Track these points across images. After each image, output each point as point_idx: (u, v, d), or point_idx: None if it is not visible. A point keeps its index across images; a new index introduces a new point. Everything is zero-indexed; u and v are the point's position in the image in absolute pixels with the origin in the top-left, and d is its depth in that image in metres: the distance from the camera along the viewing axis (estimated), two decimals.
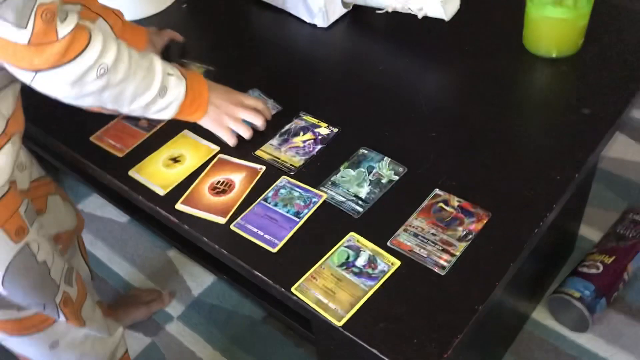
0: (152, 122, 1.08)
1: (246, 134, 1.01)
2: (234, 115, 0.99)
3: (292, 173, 0.97)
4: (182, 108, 0.93)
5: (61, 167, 1.52)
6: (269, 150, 1.01)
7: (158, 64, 0.89)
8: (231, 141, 1.01)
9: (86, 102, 0.83)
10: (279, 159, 1.00)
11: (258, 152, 1.01)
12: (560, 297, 1.42)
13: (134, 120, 1.08)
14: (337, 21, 1.27)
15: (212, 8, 1.37)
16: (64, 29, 0.74)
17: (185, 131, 1.06)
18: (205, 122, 0.99)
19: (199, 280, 1.64)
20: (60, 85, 0.78)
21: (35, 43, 0.72)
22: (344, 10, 1.28)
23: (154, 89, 0.88)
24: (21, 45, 0.72)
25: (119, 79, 0.82)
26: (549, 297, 1.46)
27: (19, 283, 0.93)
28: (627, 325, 1.43)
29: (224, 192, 0.95)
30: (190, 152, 1.02)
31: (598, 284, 1.41)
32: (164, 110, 0.92)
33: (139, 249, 1.74)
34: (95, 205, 1.86)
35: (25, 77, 0.77)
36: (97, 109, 0.88)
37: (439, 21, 1.16)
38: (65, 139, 1.08)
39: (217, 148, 1.02)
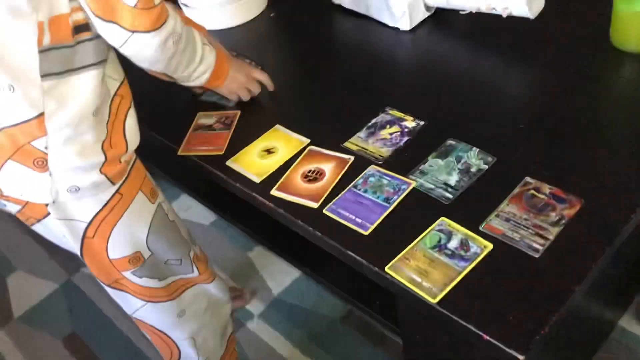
0: (225, 122, 1.14)
1: (246, 98, 1.17)
2: (244, 85, 1.15)
3: (379, 163, 1.00)
4: (212, 75, 1.07)
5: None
6: (357, 142, 1.05)
7: (196, 34, 1.01)
8: (233, 102, 1.17)
9: (158, 66, 0.96)
10: (367, 149, 1.03)
11: (346, 144, 1.05)
12: None
13: (206, 128, 1.14)
14: (420, 24, 1.31)
15: (299, 17, 1.44)
16: None
17: (277, 126, 1.12)
18: (223, 90, 1.13)
19: (279, 280, 1.68)
20: (149, 47, 0.90)
21: (140, 7, 0.84)
22: (427, 14, 1.31)
23: (197, 56, 1.02)
24: (129, 7, 0.83)
25: (182, 47, 0.96)
26: (637, 304, 1.42)
27: (159, 240, 1.02)
28: None
29: (315, 179, 0.99)
30: (282, 144, 1.08)
31: None
32: (201, 77, 1.06)
33: (221, 249, 1.81)
34: (180, 208, 1.96)
35: (119, 38, 0.86)
36: (159, 75, 1.01)
37: (523, 20, 1.17)
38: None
39: (307, 140, 1.07)
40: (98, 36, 0.87)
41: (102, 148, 0.90)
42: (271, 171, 1.03)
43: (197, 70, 1.04)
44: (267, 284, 1.68)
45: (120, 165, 0.93)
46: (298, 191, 0.98)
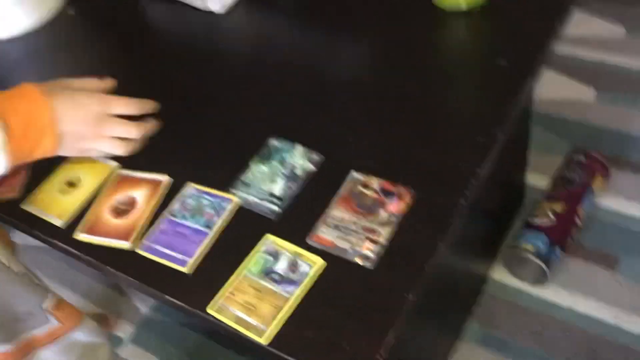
0: None
1: (120, 150, 0.86)
2: (100, 134, 0.82)
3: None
4: (13, 145, 0.71)
5: None
6: None
7: None
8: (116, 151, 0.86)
9: None
10: None
11: None
12: (515, 253, 1.38)
13: None
14: (235, 5, 1.18)
15: (103, 10, 1.26)
16: None
17: None
18: (66, 152, 0.81)
19: (146, 297, 1.55)
20: None
21: None
22: None
23: None
24: None
25: None
26: (504, 254, 1.42)
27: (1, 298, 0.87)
28: (585, 270, 1.40)
29: (126, 212, 0.86)
30: (86, 172, 0.92)
31: (551, 234, 1.37)
32: None
33: (79, 275, 1.64)
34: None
35: None
36: None
37: None
38: None
39: (115, 163, 0.93)
40: None
41: None
42: (75, 208, 0.89)
43: None
44: (134, 303, 1.55)
45: None
46: (106, 230, 0.85)
